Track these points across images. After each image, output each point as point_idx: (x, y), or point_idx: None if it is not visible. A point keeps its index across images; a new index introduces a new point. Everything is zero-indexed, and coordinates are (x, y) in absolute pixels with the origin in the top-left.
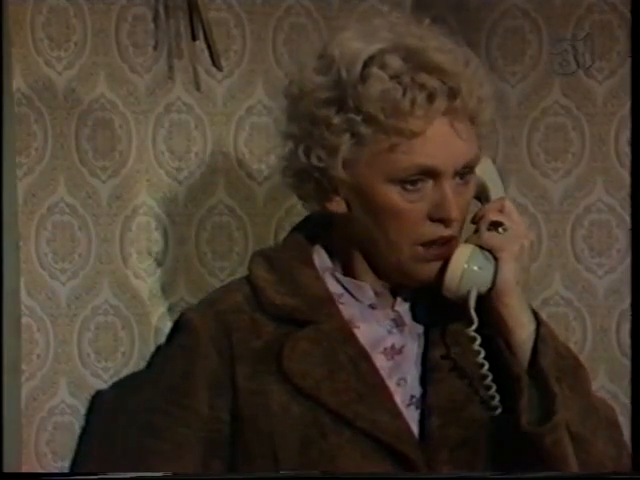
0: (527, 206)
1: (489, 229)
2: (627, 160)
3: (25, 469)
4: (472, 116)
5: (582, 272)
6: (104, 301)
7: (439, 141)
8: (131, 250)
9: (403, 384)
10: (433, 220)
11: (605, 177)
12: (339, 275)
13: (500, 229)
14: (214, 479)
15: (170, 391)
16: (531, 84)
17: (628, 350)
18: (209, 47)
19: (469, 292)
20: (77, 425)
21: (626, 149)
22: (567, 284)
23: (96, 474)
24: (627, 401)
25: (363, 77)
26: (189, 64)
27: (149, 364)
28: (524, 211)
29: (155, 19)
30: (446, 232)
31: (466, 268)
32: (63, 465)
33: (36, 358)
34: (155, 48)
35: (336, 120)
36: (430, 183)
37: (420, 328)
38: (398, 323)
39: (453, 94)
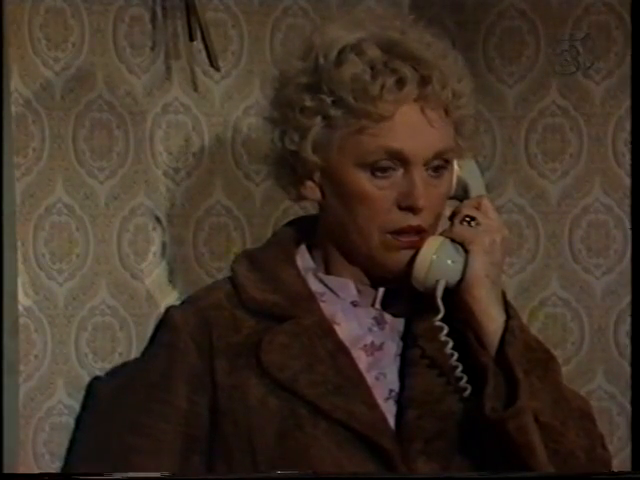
0: (525, 207)
1: (461, 222)
2: (625, 161)
3: (22, 470)
4: (447, 108)
5: (580, 273)
6: (102, 302)
7: (408, 126)
8: (129, 251)
9: (382, 379)
10: (401, 208)
11: (603, 178)
12: (321, 274)
13: (472, 223)
14: (214, 479)
15: (150, 387)
16: (528, 85)
17: (625, 351)
18: (206, 48)
19: (437, 283)
20: (75, 426)
21: (624, 150)
22: (565, 285)
23: (94, 474)
24: (625, 401)
25: (338, 62)
26: (186, 65)
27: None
28: (522, 212)
29: (152, 20)
30: (414, 221)
31: (434, 259)
32: (61, 466)
33: (34, 359)
34: (152, 49)
35: (309, 103)
36: (400, 171)
37: (401, 325)
38: (379, 321)
39: (424, 82)
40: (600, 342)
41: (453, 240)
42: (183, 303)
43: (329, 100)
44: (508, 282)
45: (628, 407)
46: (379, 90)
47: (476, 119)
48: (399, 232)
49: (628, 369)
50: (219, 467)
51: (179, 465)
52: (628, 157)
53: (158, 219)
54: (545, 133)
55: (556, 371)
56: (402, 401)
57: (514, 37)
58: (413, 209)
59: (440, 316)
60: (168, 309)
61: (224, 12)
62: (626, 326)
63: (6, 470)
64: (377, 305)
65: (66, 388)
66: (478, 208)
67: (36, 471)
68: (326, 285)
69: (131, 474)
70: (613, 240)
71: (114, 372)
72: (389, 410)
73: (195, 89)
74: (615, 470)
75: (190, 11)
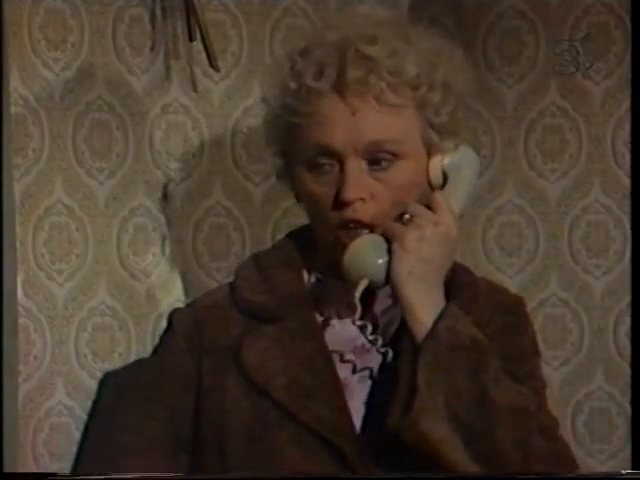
0: (524, 207)
1: (395, 220)
2: (624, 161)
3: (22, 470)
4: (377, 97)
5: (579, 273)
6: (101, 302)
7: (331, 118)
8: (128, 251)
9: (363, 382)
10: (339, 202)
11: (602, 178)
12: (321, 276)
13: (404, 218)
14: (215, 479)
15: (145, 387)
16: (528, 85)
17: (625, 351)
18: (206, 48)
19: (359, 282)
20: (74, 426)
21: (623, 150)
22: (564, 285)
23: (94, 475)
24: (624, 401)
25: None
26: (186, 65)
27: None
28: (521, 212)
29: (152, 20)
30: (351, 215)
31: (356, 258)
32: (60, 466)
33: (33, 359)
34: (152, 49)
35: (274, 104)
36: (337, 167)
37: (393, 328)
38: (373, 324)
39: (342, 70)
40: (599, 342)
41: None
42: (186, 305)
43: (276, 103)
44: (508, 282)
45: (627, 407)
46: (297, 86)
47: (455, 117)
48: (343, 227)
49: (627, 369)
50: (194, 468)
51: (169, 464)
52: (627, 157)
53: (157, 220)
54: (544, 133)
55: (488, 371)
56: (372, 404)
57: (514, 37)
58: (345, 202)
59: (358, 315)
60: (171, 311)
61: (223, 12)
62: (625, 326)
63: (6, 470)
64: (374, 308)
65: (65, 389)
66: (430, 205)
67: (35, 471)
68: (325, 286)
69: (131, 475)
70: (612, 240)
71: (126, 368)
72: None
73: (194, 89)
74: (615, 470)
75: (189, 12)
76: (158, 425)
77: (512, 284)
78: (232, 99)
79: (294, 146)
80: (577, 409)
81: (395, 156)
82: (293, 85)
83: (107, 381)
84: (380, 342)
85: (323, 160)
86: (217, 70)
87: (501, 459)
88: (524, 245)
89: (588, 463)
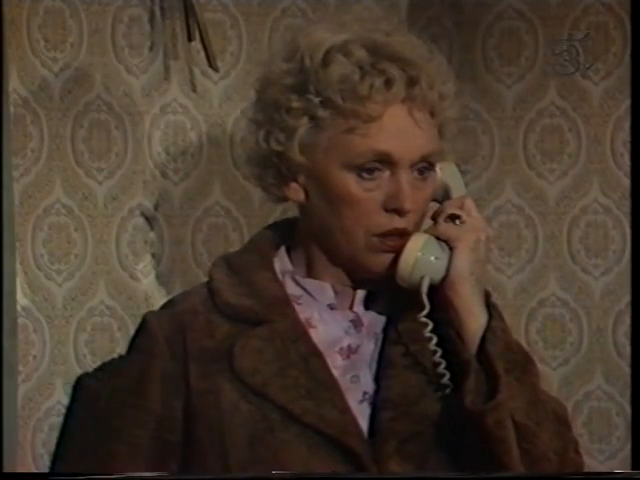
0: (523, 207)
1: (446, 221)
2: (623, 161)
3: (21, 470)
4: (433, 110)
5: (578, 273)
6: (100, 302)
7: (396, 127)
8: (127, 251)
9: (356, 381)
10: (387, 210)
11: (601, 178)
12: (298, 277)
13: (457, 221)
14: (212, 479)
15: (127, 393)
16: (527, 85)
17: (624, 351)
18: (205, 48)
19: (422, 279)
20: None
21: (622, 150)
22: (563, 285)
23: (94, 474)
24: (624, 401)
25: (325, 62)
26: (185, 65)
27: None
28: (520, 212)
29: (151, 20)
30: (400, 224)
31: (419, 256)
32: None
33: (32, 359)
34: (151, 49)
35: (296, 104)
36: (387, 173)
37: (378, 327)
38: (356, 324)
39: (412, 82)
40: (599, 342)
41: (437, 238)
42: (160, 308)
43: (317, 101)
44: (507, 282)
45: (627, 407)
46: (368, 90)
47: (457, 122)
48: (384, 235)
49: (627, 369)
50: (194, 470)
51: (154, 470)
52: (627, 157)
53: (156, 220)
54: (544, 133)
55: (534, 374)
56: (377, 403)
57: (513, 37)
58: (399, 211)
59: (425, 312)
60: (145, 314)
61: (222, 13)
62: (625, 326)
63: (5, 470)
64: (355, 308)
65: (65, 389)
66: (462, 208)
67: (35, 471)
68: (303, 288)
69: (130, 475)
70: (612, 240)
71: (101, 369)
72: (362, 413)
73: (193, 90)
74: (615, 470)
75: (188, 11)
76: (143, 432)
77: (511, 284)
78: (231, 99)
79: (337, 147)
80: (576, 409)
81: (432, 166)
82: (363, 91)
83: (82, 384)
84: (435, 341)
85: (373, 165)
86: (216, 70)
87: (543, 463)
88: (523, 245)
89: (587, 463)
